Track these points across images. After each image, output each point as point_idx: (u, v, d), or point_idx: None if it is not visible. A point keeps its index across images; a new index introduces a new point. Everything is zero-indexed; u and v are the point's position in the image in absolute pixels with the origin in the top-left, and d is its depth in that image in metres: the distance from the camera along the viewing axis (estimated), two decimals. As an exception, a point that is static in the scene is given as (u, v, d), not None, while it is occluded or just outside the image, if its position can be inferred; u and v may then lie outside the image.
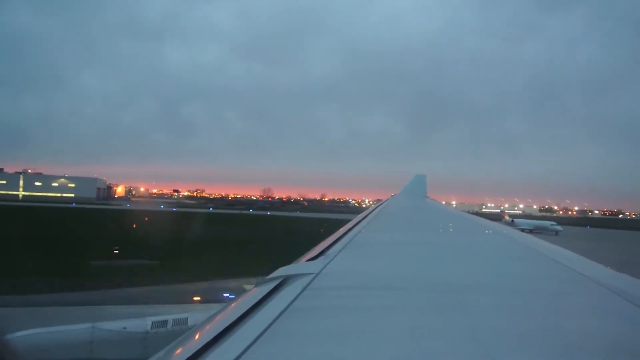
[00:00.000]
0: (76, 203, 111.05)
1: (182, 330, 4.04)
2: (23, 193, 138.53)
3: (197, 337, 1.97)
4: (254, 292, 2.40)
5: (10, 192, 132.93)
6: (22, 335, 4.21)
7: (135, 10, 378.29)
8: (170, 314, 4.52)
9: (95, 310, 14.76)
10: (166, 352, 1.99)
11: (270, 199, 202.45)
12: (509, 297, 2.49)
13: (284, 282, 2.50)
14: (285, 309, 2.01)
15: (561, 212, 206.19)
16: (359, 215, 7.09)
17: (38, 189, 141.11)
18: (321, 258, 3.18)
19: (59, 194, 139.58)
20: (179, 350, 1.87)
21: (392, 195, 12.96)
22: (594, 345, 1.78)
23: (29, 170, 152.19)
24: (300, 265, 3.03)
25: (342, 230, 4.99)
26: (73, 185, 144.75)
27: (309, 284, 2.43)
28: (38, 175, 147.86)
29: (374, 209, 8.62)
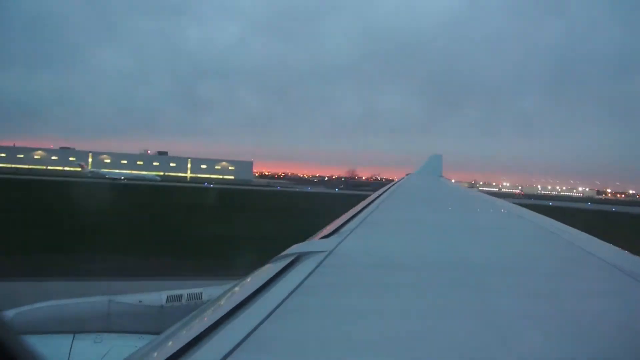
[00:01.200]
0: (239, 184, 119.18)
1: (196, 305, 4.13)
2: (190, 175, 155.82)
3: (210, 311, 2.03)
4: (268, 269, 2.43)
5: (178, 174, 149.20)
6: (42, 307, 4.34)
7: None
8: (185, 289, 4.63)
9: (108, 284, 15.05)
10: (181, 326, 2.03)
11: (356, 178, 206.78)
12: (523, 277, 2.51)
13: (297, 259, 2.52)
14: (298, 286, 2.03)
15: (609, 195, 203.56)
16: (374, 194, 7.08)
17: (203, 171, 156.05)
18: (334, 236, 3.23)
19: (220, 176, 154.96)
20: (193, 324, 1.91)
21: (407, 174, 12.99)
22: (608, 327, 1.78)
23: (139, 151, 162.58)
24: (313, 243, 3.07)
25: (356, 208, 5.03)
26: (232, 168, 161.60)
27: (322, 261, 2.46)
28: (204, 160, 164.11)
29: (388, 188, 8.59)
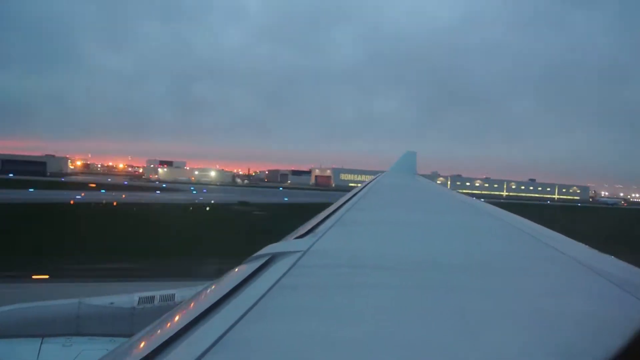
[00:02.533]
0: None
1: (169, 306, 4.04)
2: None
3: (184, 313, 2.00)
4: (242, 269, 2.42)
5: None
6: (7, 310, 4.24)
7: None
8: (158, 290, 4.54)
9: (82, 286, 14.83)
10: (153, 328, 1.99)
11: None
12: (495, 276, 2.53)
13: (272, 259, 2.51)
14: (273, 286, 2.02)
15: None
16: (349, 193, 7.19)
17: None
18: (309, 236, 3.21)
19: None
20: (165, 326, 1.88)
21: (381, 172, 13.06)
22: (578, 326, 1.80)
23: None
24: (288, 243, 3.06)
25: (330, 208, 5.05)
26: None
27: (296, 261, 2.45)
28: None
29: (363, 187, 8.74)
